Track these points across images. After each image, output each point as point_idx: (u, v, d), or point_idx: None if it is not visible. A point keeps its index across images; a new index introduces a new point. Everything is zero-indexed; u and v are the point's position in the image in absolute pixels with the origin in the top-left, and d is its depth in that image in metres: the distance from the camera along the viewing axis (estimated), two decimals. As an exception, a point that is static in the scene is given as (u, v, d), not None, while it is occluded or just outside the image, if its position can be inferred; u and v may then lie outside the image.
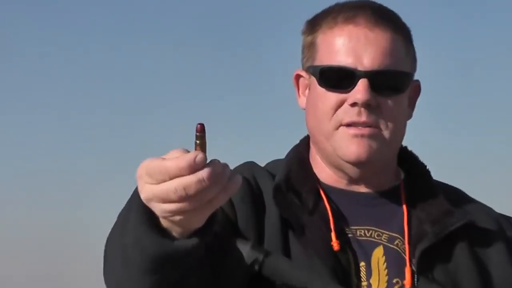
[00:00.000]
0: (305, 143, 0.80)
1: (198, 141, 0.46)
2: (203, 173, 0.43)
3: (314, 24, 0.75)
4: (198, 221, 0.49)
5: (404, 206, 0.74)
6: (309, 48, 0.75)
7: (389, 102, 0.70)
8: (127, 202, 0.57)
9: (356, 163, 0.71)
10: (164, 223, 0.50)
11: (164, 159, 0.45)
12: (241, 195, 0.68)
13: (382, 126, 0.70)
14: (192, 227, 0.50)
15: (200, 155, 0.43)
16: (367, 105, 0.68)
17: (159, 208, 0.47)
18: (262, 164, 0.80)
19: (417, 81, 0.77)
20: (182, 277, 0.54)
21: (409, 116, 0.77)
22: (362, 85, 0.68)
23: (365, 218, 0.74)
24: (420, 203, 0.74)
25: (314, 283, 0.65)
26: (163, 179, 0.44)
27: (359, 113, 0.69)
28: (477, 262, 0.71)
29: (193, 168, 0.43)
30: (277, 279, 0.65)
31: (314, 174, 0.76)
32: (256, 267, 0.64)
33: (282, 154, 0.80)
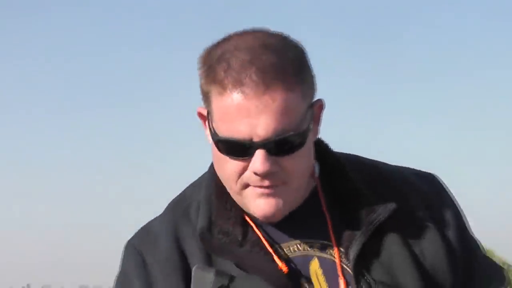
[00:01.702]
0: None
1: None
2: None
3: (207, 75, 0.70)
4: None
5: (325, 210, 0.74)
6: (206, 99, 0.71)
7: (291, 159, 0.69)
8: None
9: (266, 218, 0.72)
10: None
11: None
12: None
13: (288, 180, 0.70)
14: None
15: None
16: (267, 175, 0.68)
17: None
18: None
19: (320, 100, 0.74)
20: None
21: (315, 135, 0.75)
22: (259, 156, 0.67)
23: (292, 232, 0.74)
24: (341, 202, 0.75)
25: None
26: None
27: (262, 180, 0.69)
28: (408, 248, 0.72)
29: None
30: None
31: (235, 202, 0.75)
32: None
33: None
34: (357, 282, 0.69)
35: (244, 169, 0.68)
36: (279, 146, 0.67)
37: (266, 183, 0.68)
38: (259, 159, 0.66)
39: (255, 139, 0.66)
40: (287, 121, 0.67)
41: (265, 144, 0.66)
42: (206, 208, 0.73)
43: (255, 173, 0.67)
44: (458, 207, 0.79)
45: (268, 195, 0.69)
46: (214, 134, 0.70)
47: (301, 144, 0.69)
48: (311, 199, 0.74)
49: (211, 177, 0.76)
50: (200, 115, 0.74)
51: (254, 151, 0.67)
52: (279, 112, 0.66)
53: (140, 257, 0.74)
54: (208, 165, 0.78)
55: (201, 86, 0.71)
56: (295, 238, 0.73)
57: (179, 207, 0.77)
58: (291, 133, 0.67)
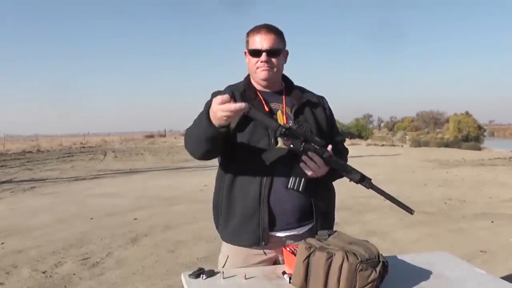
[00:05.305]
0: (248, 74, 1.96)
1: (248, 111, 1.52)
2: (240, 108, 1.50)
3: (248, 34, 1.87)
4: (230, 122, 1.56)
5: (284, 96, 1.91)
6: (247, 43, 1.87)
7: (274, 58, 1.85)
8: (197, 117, 1.67)
9: (265, 81, 1.87)
10: (215, 122, 1.51)
11: (230, 103, 1.47)
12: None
13: (274, 67, 1.85)
14: (226, 123, 1.54)
15: (245, 105, 1.49)
16: (266, 61, 1.83)
17: (220, 114, 1.48)
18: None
19: (287, 50, 1.92)
20: (217, 144, 1.64)
21: (285, 58, 1.92)
22: (264, 54, 1.82)
23: (273, 100, 1.89)
24: (290, 94, 1.91)
25: (268, 119, 1.65)
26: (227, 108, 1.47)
27: (264, 65, 1.83)
28: (313, 112, 1.90)
29: (237, 110, 1.48)
30: (257, 118, 1.61)
31: (253, 85, 1.91)
32: (247, 112, 1.57)
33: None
34: (295, 119, 1.81)
35: (257, 61, 1.82)
36: (271, 52, 1.81)
37: (266, 65, 1.81)
38: (264, 55, 1.80)
39: (263, 49, 1.80)
40: (274, 44, 1.81)
41: (266, 51, 1.80)
42: (244, 85, 1.88)
43: (262, 61, 1.80)
44: (330, 106, 2.00)
45: (266, 70, 1.82)
46: (248, 50, 1.84)
47: (278, 54, 1.83)
48: (280, 92, 1.91)
49: (246, 78, 1.92)
50: (245, 52, 1.89)
51: (262, 53, 1.80)
52: (272, 41, 1.81)
53: (219, 92, 1.83)
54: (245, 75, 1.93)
55: (246, 39, 1.86)
56: (273, 102, 1.86)
57: (236, 85, 1.91)
58: (275, 48, 1.81)
